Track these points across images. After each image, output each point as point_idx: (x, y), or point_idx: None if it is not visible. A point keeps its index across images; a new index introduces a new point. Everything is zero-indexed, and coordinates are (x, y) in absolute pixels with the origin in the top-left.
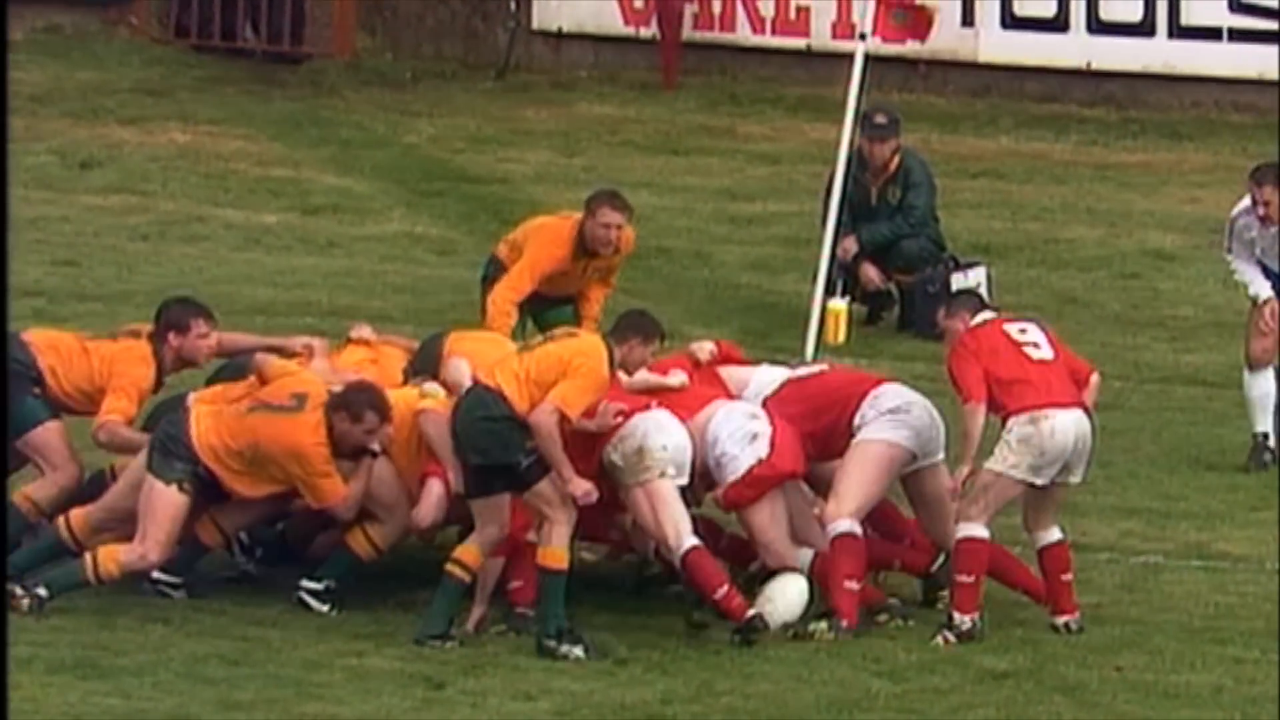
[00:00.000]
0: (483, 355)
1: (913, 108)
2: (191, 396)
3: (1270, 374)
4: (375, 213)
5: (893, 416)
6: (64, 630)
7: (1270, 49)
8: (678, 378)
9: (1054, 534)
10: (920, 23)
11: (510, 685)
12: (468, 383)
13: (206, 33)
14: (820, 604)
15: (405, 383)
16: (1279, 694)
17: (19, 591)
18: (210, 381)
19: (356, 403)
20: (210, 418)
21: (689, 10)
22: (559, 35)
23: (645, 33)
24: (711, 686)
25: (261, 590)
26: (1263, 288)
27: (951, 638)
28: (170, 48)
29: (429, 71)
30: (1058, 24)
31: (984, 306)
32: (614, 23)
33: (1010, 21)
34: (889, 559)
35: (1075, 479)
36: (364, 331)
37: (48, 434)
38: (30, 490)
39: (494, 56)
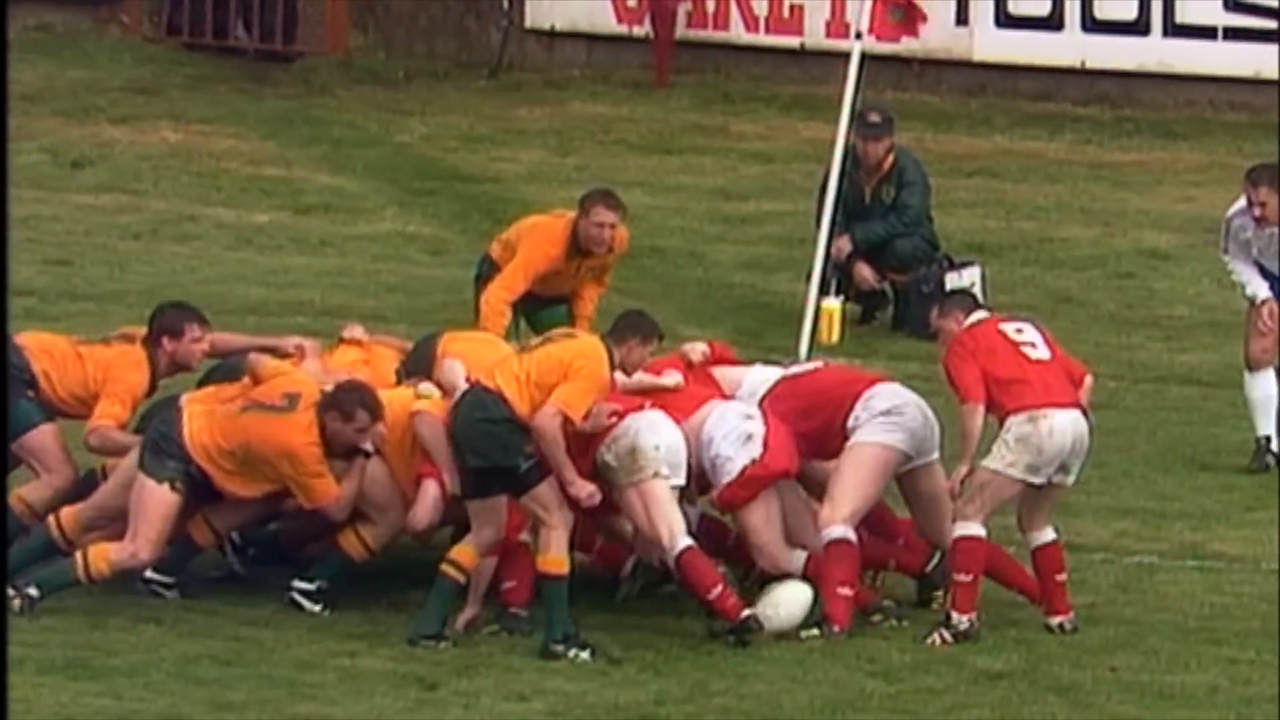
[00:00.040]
0: (477, 356)
1: (907, 106)
2: (185, 397)
3: (1271, 375)
4: (368, 212)
5: (885, 419)
6: (55, 630)
7: (1265, 48)
8: (673, 378)
9: (1048, 534)
10: (913, 18)
11: (503, 686)
12: (462, 384)
13: (198, 31)
14: (817, 611)
15: (398, 383)
16: (1277, 694)
17: (10, 592)
18: (202, 382)
19: (348, 402)
20: (203, 417)
21: (682, 9)
22: (552, 34)
23: (638, 31)
24: (705, 687)
25: (253, 590)
26: (1260, 288)
27: (948, 636)
28: (162, 46)
29: (421, 70)
30: (1052, 22)
31: (977, 306)
32: (607, 21)
33: (1004, 20)
34: (884, 560)
35: (1070, 479)
36: (356, 331)
37: (42, 437)
38: (25, 492)
39: (487, 55)
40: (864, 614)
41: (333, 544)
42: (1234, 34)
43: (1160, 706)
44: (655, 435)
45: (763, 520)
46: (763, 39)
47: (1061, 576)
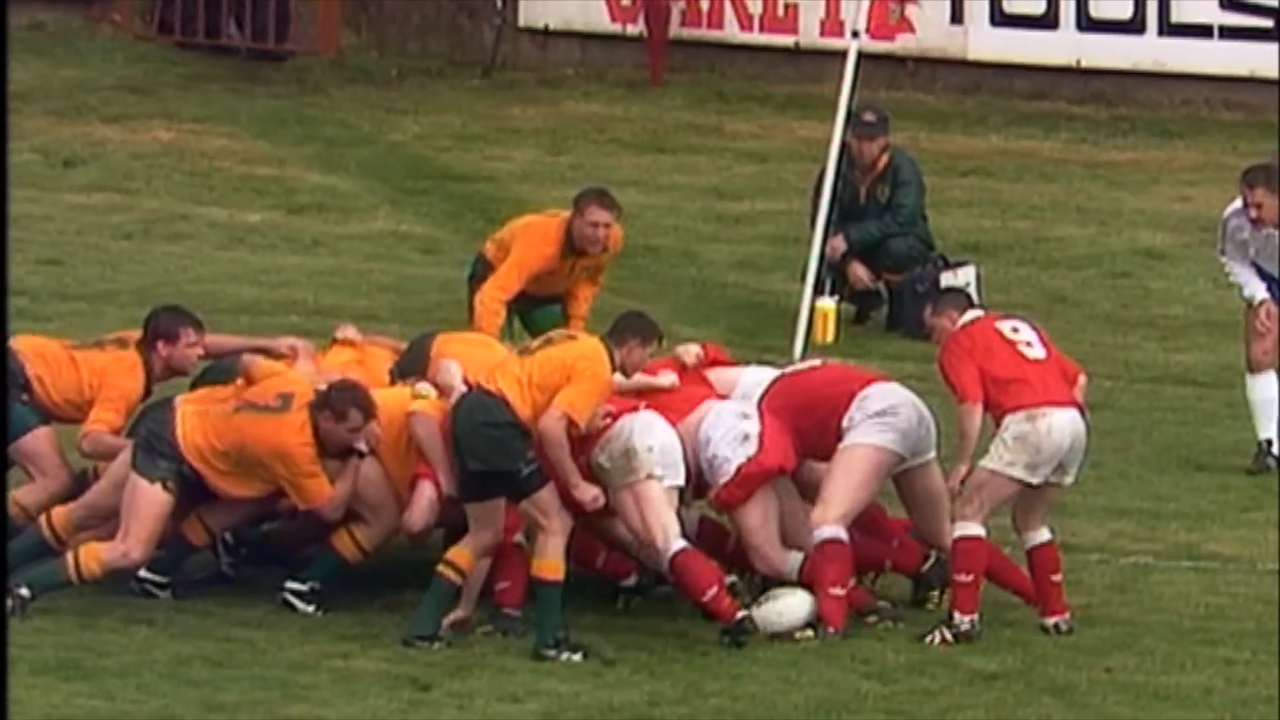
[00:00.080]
0: (471, 357)
1: (901, 105)
2: (178, 399)
3: (1272, 377)
4: (360, 211)
5: (879, 419)
6: (47, 631)
7: (1261, 46)
8: (668, 378)
9: (1043, 534)
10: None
11: (497, 687)
12: (459, 385)
13: (190, 30)
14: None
15: (392, 383)
16: (1277, 694)
17: None
18: (196, 384)
19: (340, 401)
20: (196, 417)
21: (676, 7)
22: (545, 33)
23: (632, 30)
24: (699, 688)
25: (246, 591)
26: (1258, 289)
27: (949, 636)
28: (154, 45)
29: (414, 69)
30: (1047, 21)
31: (971, 304)
32: (601, 20)
33: (999, 19)
34: (880, 561)
35: (1068, 480)
36: (349, 332)
37: (37, 441)
38: (19, 495)
39: (480, 54)
40: (859, 615)
41: (326, 544)
42: (1230, 33)
43: (1156, 707)
44: (649, 436)
45: (759, 521)
46: (757, 38)
47: (1057, 577)
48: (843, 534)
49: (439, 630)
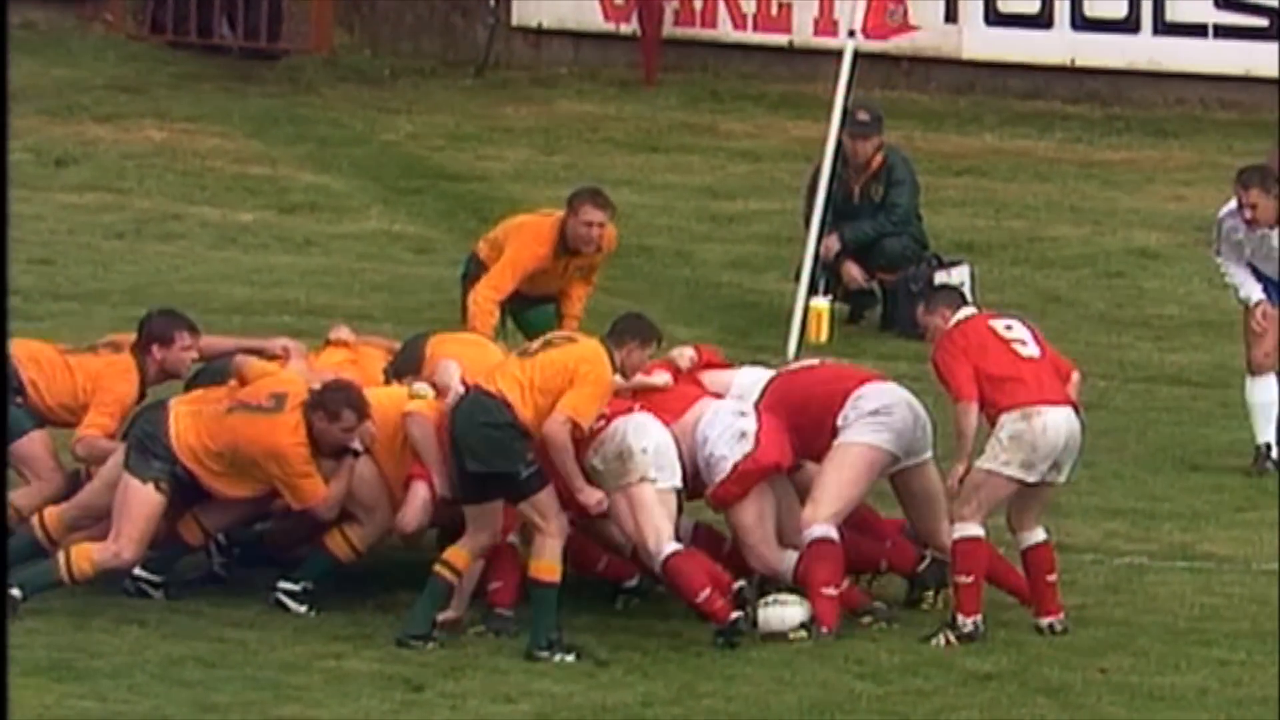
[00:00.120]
0: (467, 358)
1: (895, 105)
2: (172, 400)
3: (1272, 380)
4: (353, 210)
5: (873, 419)
6: (39, 632)
7: (1256, 45)
8: (662, 377)
9: (1039, 534)
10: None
11: (490, 687)
12: (456, 385)
13: (182, 29)
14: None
15: (387, 383)
16: (1272, 695)
17: None
18: (189, 385)
19: (333, 401)
20: (189, 417)
21: (670, 7)
22: (539, 32)
23: (626, 29)
24: (693, 689)
25: (238, 592)
26: (1254, 291)
27: (953, 639)
28: (146, 44)
29: (407, 68)
30: (1041, 20)
31: (964, 302)
32: (594, 19)
33: (994, 18)
34: (875, 561)
35: (1062, 478)
36: (343, 333)
37: (32, 444)
38: (14, 498)
39: (473, 53)
40: (853, 615)
41: (318, 545)
42: (1224, 32)
43: (1150, 708)
44: (643, 438)
45: (755, 519)
46: (751, 37)
47: (1052, 577)
48: (833, 533)
49: (433, 630)
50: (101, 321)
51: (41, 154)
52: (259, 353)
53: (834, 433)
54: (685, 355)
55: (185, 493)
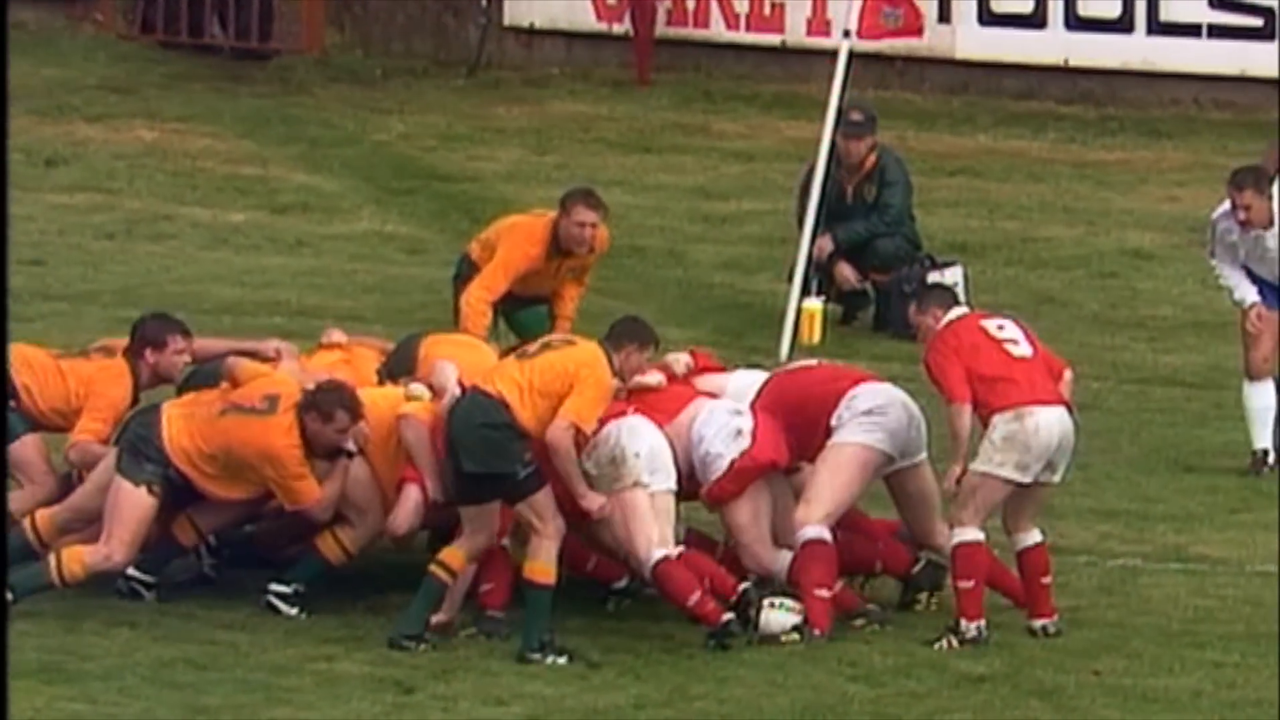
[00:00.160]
0: (461, 359)
1: (889, 105)
2: (165, 404)
3: (1270, 386)
4: (344, 211)
5: (867, 419)
6: (29, 634)
7: (1250, 45)
8: (655, 376)
9: (1034, 536)
10: (911, 19)
11: (481, 690)
12: (453, 387)
13: (173, 29)
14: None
15: (380, 384)
16: (1270, 698)
17: None
18: (182, 388)
19: (327, 402)
20: (182, 420)
21: (662, 6)
22: (531, 31)
23: (618, 29)
24: (685, 691)
25: (229, 594)
26: (1248, 293)
27: (956, 644)
28: (136, 44)
29: (399, 68)
30: (1035, 20)
31: (956, 302)
32: (587, 19)
33: (987, 18)
34: (870, 563)
35: (1056, 478)
36: (335, 336)
37: (25, 448)
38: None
39: (465, 53)
40: (846, 617)
41: (310, 547)
42: (1218, 32)
43: (1144, 710)
44: (636, 442)
45: (749, 519)
46: (744, 37)
47: (1046, 579)
48: (826, 534)
49: (426, 631)
50: (92, 322)
51: (32, 154)
52: (252, 355)
53: (828, 433)
54: (681, 361)
55: (178, 495)
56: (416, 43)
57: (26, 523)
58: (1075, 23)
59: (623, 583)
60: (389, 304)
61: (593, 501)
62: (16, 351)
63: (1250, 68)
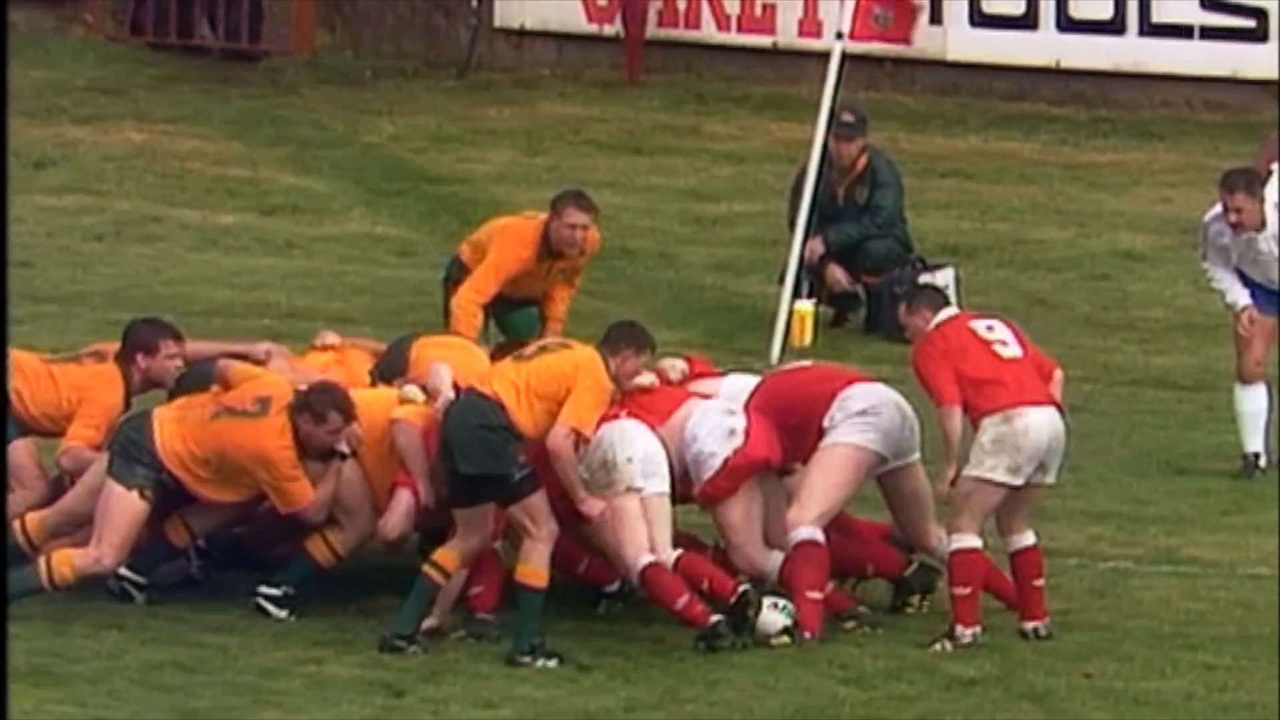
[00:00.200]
0: (454, 362)
1: (880, 106)
2: (157, 410)
3: (1263, 390)
4: (334, 213)
5: (860, 419)
6: (18, 637)
7: (1242, 47)
8: (648, 377)
9: (1028, 538)
10: (903, 22)
11: (471, 693)
12: (447, 390)
13: (162, 30)
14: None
15: (373, 385)
16: (1262, 701)
17: None
18: (173, 394)
19: (319, 404)
20: (174, 424)
21: (653, 8)
22: (521, 33)
23: (609, 30)
24: (676, 694)
25: (218, 596)
26: (1240, 296)
27: (949, 647)
28: (125, 45)
29: (389, 69)
30: (1027, 21)
31: (946, 302)
32: (577, 20)
33: (979, 19)
34: (862, 565)
35: (1050, 479)
36: (329, 339)
37: (17, 453)
38: None
39: (455, 54)
40: (837, 619)
41: (300, 549)
42: (1210, 33)
43: (1135, 713)
44: (628, 447)
45: (742, 519)
46: (735, 38)
47: (1039, 581)
48: (819, 536)
49: (418, 632)
50: (81, 324)
51: (20, 156)
52: (243, 357)
53: (821, 434)
54: (677, 367)
55: (169, 499)
56: (407, 44)
57: (17, 526)
58: (1067, 24)
59: (615, 586)
60: (379, 306)
61: (593, 507)
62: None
63: (1242, 69)
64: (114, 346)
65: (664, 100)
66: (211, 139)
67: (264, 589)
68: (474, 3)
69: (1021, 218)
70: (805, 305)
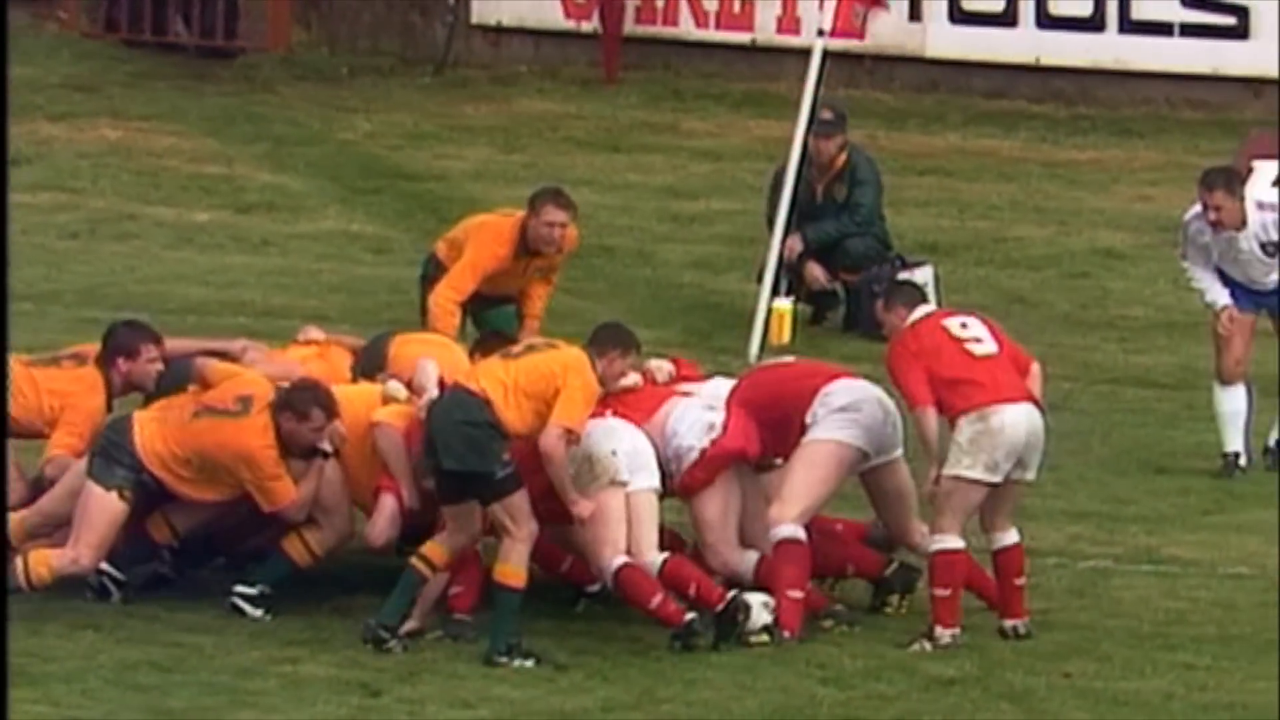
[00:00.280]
0: (434, 359)
1: (859, 104)
2: (137, 413)
3: (1242, 390)
4: (310, 210)
5: (842, 415)
6: None
7: (1223, 44)
8: (633, 378)
9: (1011, 536)
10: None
11: (448, 693)
12: (432, 388)
13: (137, 27)
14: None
15: (354, 382)
16: (1241, 700)
17: None
18: (151, 397)
19: (302, 401)
20: (155, 424)
21: (631, 4)
22: (498, 30)
23: (586, 27)
24: (653, 694)
25: (194, 595)
26: (1220, 295)
27: (928, 648)
28: (100, 42)
29: (365, 66)
30: (1006, 18)
31: (923, 299)
32: (554, 17)
33: (958, 16)
34: (842, 564)
35: (1030, 475)
36: (313, 333)
37: None
38: None
39: (432, 51)
40: (815, 618)
41: (276, 548)
42: (1191, 30)
43: (1115, 713)
44: (612, 440)
45: (718, 516)
46: (713, 35)
47: (1020, 580)
48: (801, 534)
49: (401, 625)
50: (55, 323)
51: None
52: (221, 355)
53: (803, 430)
54: (664, 369)
55: (150, 500)
56: (383, 41)
57: None
58: (1046, 21)
59: (596, 586)
60: (355, 304)
61: (584, 509)
62: None
63: (1222, 67)
64: (93, 348)
65: (642, 97)
66: (187, 136)
67: (240, 588)
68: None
69: (1001, 215)
70: (784, 303)
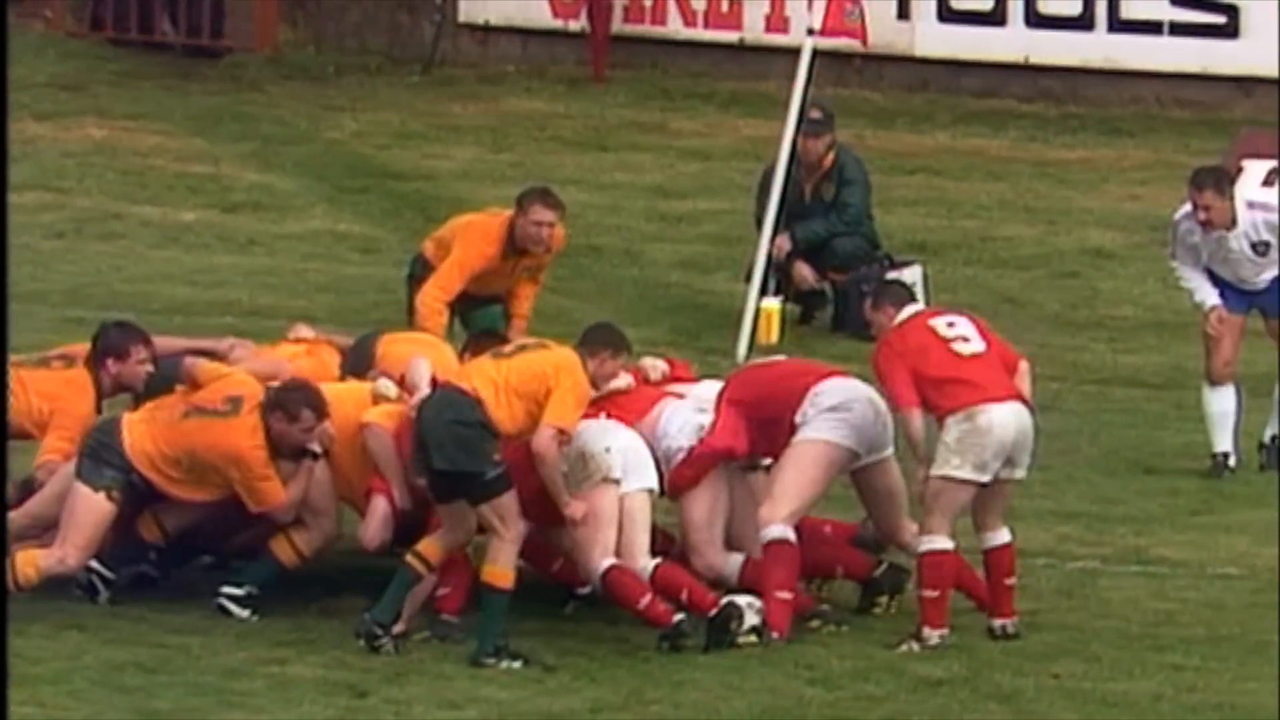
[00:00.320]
0: (427, 357)
1: (847, 103)
2: (126, 414)
3: (1231, 390)
4: (297, 210)
5: (832, 415)
6: None
7: (1212, 43)
8: (625, 379)
9: (1002, 535)
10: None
11: (435, 693)
12: (424, 387)
13: (123, 26)
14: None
15: (342, 380)
16: (1230, 701)
17: None
18: (140, 399)
19: (292, 401)
20: (144, 424)
21: (619, 3)
22: (486, 29)
23: (574, 26)
24: (641, 695)
25: (180, 596)
26: (1209, 295)
27: (916, 648)
28: (86, 41)
29: (353, 65)
30: (995, 17)
31: (911, 298)
32: (542, 16)
33: (947, 14)
34: (831, 566)
35: (1020, 473)
36: (303, 332)
37: None
38: None
39: (419, 50)
40: (802, 619)
41: (264, 549)
42: (1180, 29)
43: (1103, 714)
44: (606, 438)
45: (704, 518)
46: (701, 34)
47: (1011, 580)
48: (791, 534)
49: (395, 622)
50: (41, 323)
51: None
52: (209, 354)
53: (793, 429)
54: (658, 368)
55: (139, 500)
56: (370, 40)
57: None
58: (1036, 20)
59: (587, 589)
60: (342, 304)
61: (576, 510)
62: None
63: (1212, 66)
64: (81, 349)
65: (630, 97)
66: (173, 135)
67: (227, 589)
68: None
69: (990, 215)
70: (772, 303)
